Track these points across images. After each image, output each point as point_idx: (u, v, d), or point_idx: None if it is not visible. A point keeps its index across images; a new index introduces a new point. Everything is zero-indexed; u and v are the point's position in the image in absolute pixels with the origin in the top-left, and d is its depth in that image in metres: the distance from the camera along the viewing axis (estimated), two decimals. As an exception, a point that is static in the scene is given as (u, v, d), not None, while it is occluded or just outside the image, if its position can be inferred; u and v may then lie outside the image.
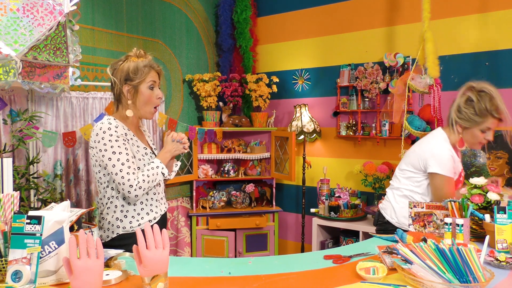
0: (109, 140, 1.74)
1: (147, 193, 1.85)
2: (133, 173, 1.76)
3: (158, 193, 1.93)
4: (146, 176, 1.78)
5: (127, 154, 1.77)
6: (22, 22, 2.01)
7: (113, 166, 1.74)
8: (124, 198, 1.82)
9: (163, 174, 1.84)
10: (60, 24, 2.17)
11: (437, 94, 2.76)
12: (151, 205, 1.88)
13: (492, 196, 1.82)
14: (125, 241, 1.78)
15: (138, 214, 1.84)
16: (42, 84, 2.19)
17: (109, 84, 2.95)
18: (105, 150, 1.74)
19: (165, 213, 1.98)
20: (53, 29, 2.13)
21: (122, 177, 1.73)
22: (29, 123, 2.34)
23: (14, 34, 1.99)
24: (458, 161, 2.14)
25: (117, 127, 1.77)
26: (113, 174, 1.74)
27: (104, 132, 1.75)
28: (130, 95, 1.83)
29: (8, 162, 1.49)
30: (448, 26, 3.20)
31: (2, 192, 1.45)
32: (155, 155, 1.97)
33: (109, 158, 1.74)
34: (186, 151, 1.94)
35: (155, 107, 1.89)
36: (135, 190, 1.74)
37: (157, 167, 1.83)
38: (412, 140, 3.32)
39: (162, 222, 1.94)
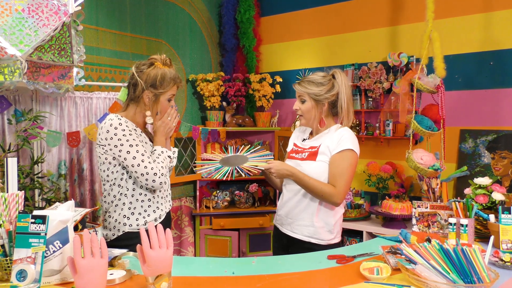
0: (123, 135, 1.76)
1: (153, 190, 1.86)
2: (153, 162, 1.78)
3: (165, 190, 1.95)
4: (161, 162, 1.81)
5: (142, 146, 1.80)
6: (27, 23, 2.02)
7: (134, 158, 1.75)
8: (132, 195, 1.83)
9: (169, 157, 1.88)
10: (65, 25, 2.18)
11: (443, 94, 2.76)
12: (157, 202, 1.89)
13: (497, 196, 1.81)
14: (131, 241, 1.77)
15: (145, 211, 1.85)
16: (47, 84, 2.20)
17: (113, 84, 2.98)
18: (121, 145, 1.75)
19: (169, 212, 1.99)
20: (57, 30, 2.14)
21: (145, 167, 1.75)
22: (33, 123, 2.35)
23: (20, 35, 2.00)
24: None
25: (127, 122, 1.80)
26: (135, 166, 1.75)
27: (115, 128, 1.76)
28: (150, 101, 1.85)
29: (13, 162, 1.49)
30: (452, 26, 3.19)
31: (7, 192, 1.45)
32: None
33: (128, 151, 1.75)
34: (174, 125, 1.92)
35: None
36: (159, 177, 1.77)
37: (162, 152, 1.85)
38: (416, 139, 3.31)
39: (167, 221, 1.94)
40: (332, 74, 1.99)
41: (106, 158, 1.81)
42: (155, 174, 1.76)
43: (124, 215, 1.82)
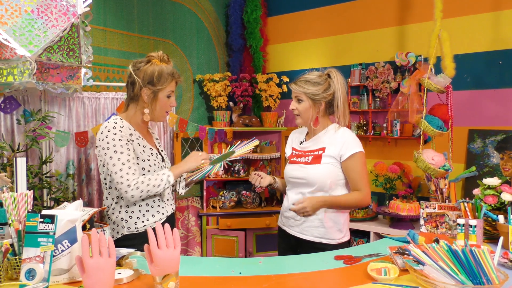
0: (112, 139, 1.74)
1: (154, 194, 1.85)
2: (133, 173, 1.74)
3: (166, 195, 1.94)
4: (147, 179, 1.76)
5: (128, 154, 1.75)
6: (36, 24, 2.04)
7: (113, 165, 1.73)
8: None
9: (168, 181, 1.80)
10: (73, 25, 2.20)
11: (451, 94, 2.74)
12: (158, 206, 1.87)
13: (506, 197, 1.79)
14: (130, 242, 1.77)
15: (144, 215, 1.83)
16: (55, 85, 2.22)
17: (120, 84, 3.00)
18: (107, 149, 1.74)
19: (172, 214, 1.97)
20: (66, 30, 2.16)
21: (121, 176, 1.72)
22: (42, 123, 2.37)
23: (29, 36, 2.02)
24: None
25: (122, 127, 1.78)
26: (113, 173, 1.73)
27: (108, 131, 1.75)
28: (149, 99, 1.82)
29: (22, 162, 1.51)
30: (461, 25, 3.16)
31: (16, 191, 1.47)
32: (162, 156, 1.97)
33: (110, 156, 1.73)
34: (199, 164, 1.91)
35: (166, 111, 1.91)
36: (132, 190, 1.72)
37: (163, 173, 1.80)
38: (424, 139, 3.28)
39: (169, 224, 1.93)
40: (328, 73, 1.97)
41: (101, 160, 1.81)
42: (128, 185, 1.72)
43: (122, 217, 1.82)
